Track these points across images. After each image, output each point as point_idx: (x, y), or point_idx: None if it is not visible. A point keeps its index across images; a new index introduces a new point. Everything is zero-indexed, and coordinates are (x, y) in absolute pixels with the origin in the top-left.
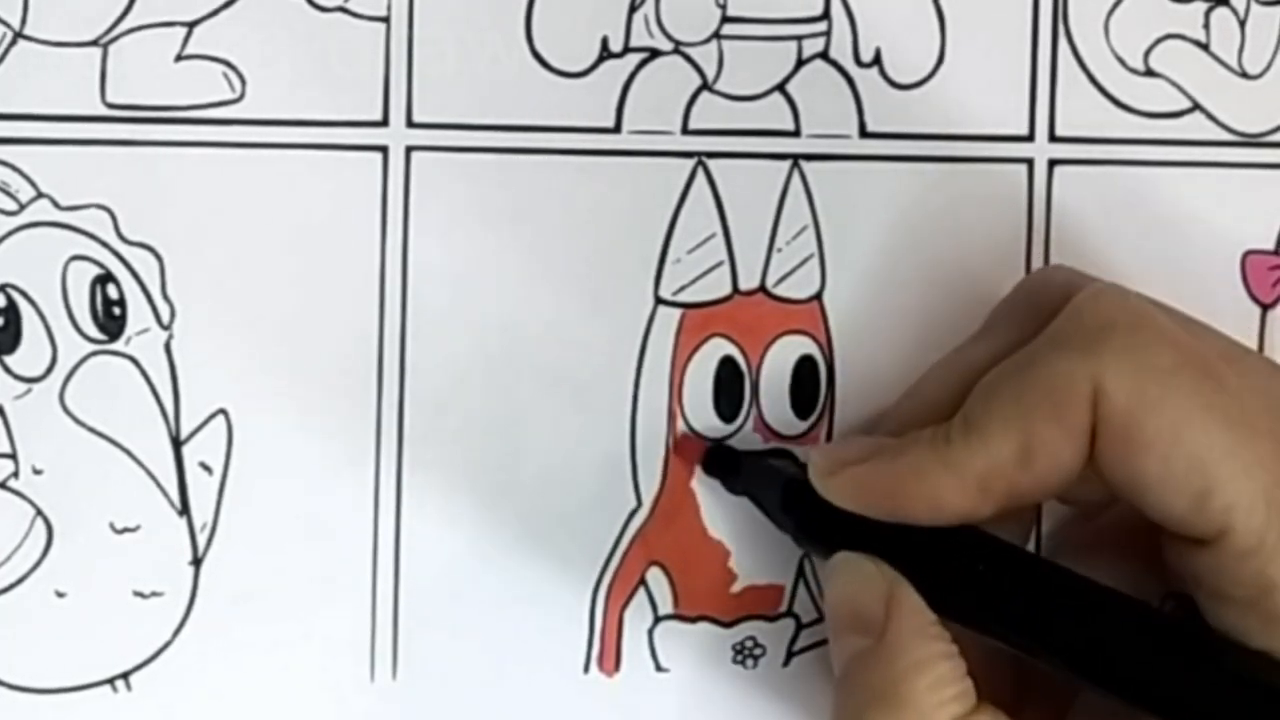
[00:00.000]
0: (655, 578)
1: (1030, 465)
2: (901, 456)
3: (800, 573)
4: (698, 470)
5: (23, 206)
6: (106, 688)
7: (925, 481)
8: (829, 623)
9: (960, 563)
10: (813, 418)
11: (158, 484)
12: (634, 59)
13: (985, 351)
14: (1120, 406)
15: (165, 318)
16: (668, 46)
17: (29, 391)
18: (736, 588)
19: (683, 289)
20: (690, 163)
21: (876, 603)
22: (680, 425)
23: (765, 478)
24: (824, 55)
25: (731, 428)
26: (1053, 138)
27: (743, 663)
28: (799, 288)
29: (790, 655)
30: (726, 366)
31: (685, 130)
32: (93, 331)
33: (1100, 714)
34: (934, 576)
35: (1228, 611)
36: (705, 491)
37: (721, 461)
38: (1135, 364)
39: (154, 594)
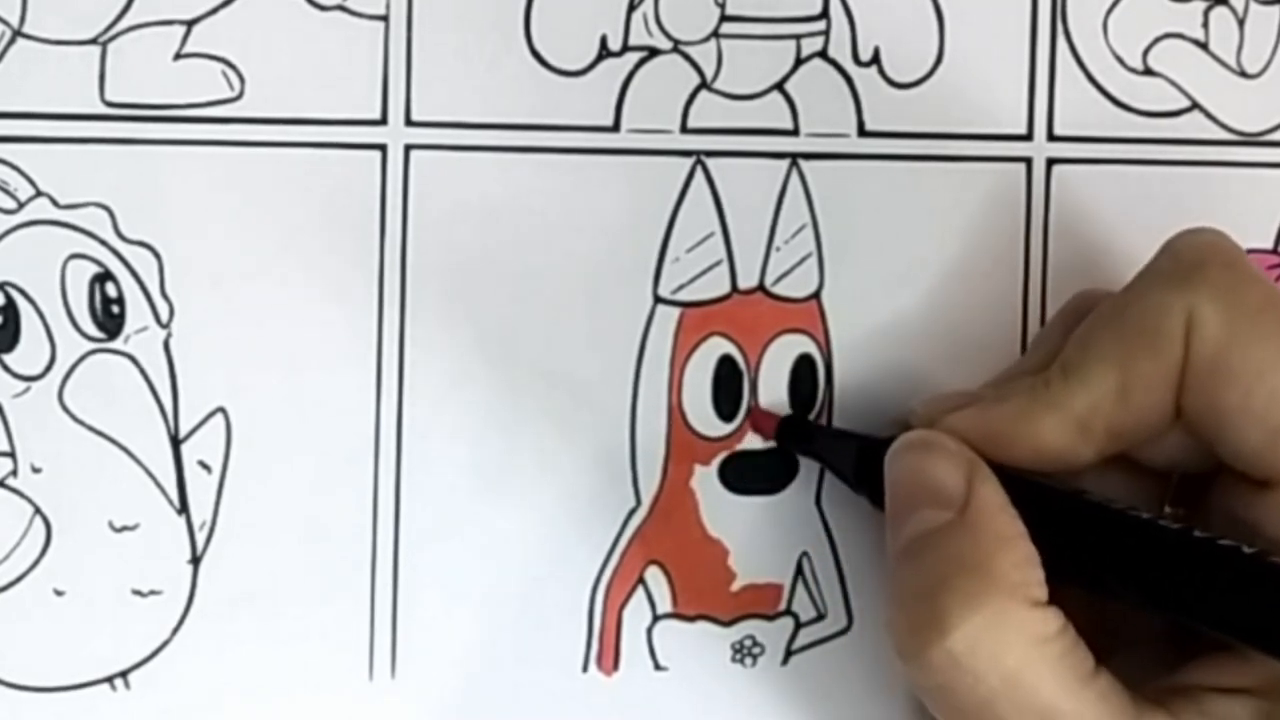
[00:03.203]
0: (654, 577)
1: (1129, 401)
2: (1003, 403)
3: (799, 572)
4: (697, 469)
5: (21, 205)
6: (105, 686)
7: (1027, 424)
8: (897, 499)
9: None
10: (812, 417)
11: (156, 482)
12: (633, 58)
13: (1038, 361)
14: (1210, 338)
15: (164, 316)
16: (667, 45)
17: (28, 390)
18: (735, 587)
19: (681, 288)
20: (689, 161)
21: (957, 476)
22: (681, 424)
23: (841, 443)
24: (823, 54)
25: (730, 426)
26: (1051, 137)
27: (741, 661)
28: (798, 287)
29: (789, 654)
30: (725, 365)
31: (684, 129)
32: (91, 330)
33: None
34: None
35: None
36: (704, 490)
37: (796, 432)
38: (1228, 300)
39: (153, 592)
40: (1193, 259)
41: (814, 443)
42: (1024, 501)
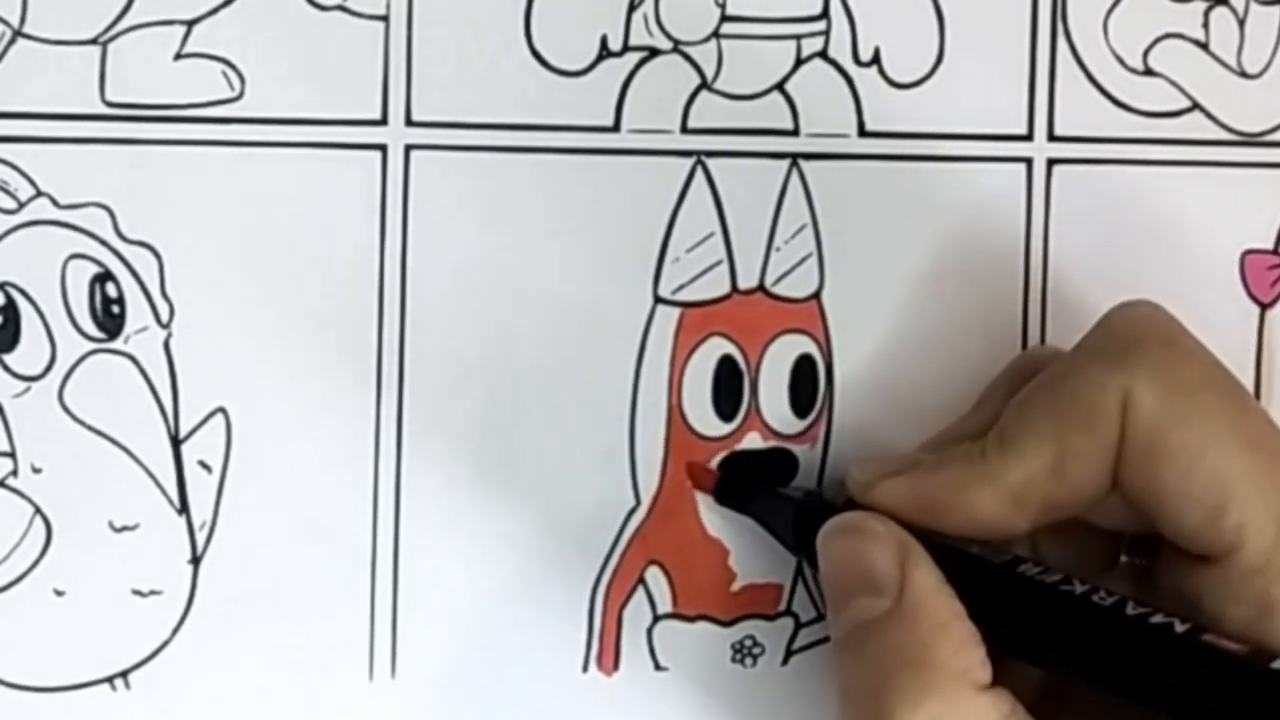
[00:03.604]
0: (654, 577)
1: (1064, 476)
2: (939, 470)
3: (799, 572)
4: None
5: (22, 205)
6: (105, 686)
7: (962, 494)
8: (832, 585)
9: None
10: (811, 416)
11: (157, 482)
12: (633, 58)
13: (980, 422)
14: (1147, 417)
15: (164, 316)
16: (667, 45)
17: (28, 390)
18: (735, 587)
19: (681, 288)
20: (689, 162)
21: (890, 561)
22: (681, 425)
23: (777, 505)
24: (823, 54)
25: (730, 426)
26: (1051, 137)
27: (742, 662)
28: (798, 287)
29: (789, 654)
30: (725, 365)
31: (684, 129)
32: (92, 330)
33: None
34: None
35: (1225, 630)
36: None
37: (734, 490)
38: (1165, 378)
39: (153, 592)
40: (1130, 335)
41: (750, 502)
42: (959, 575)
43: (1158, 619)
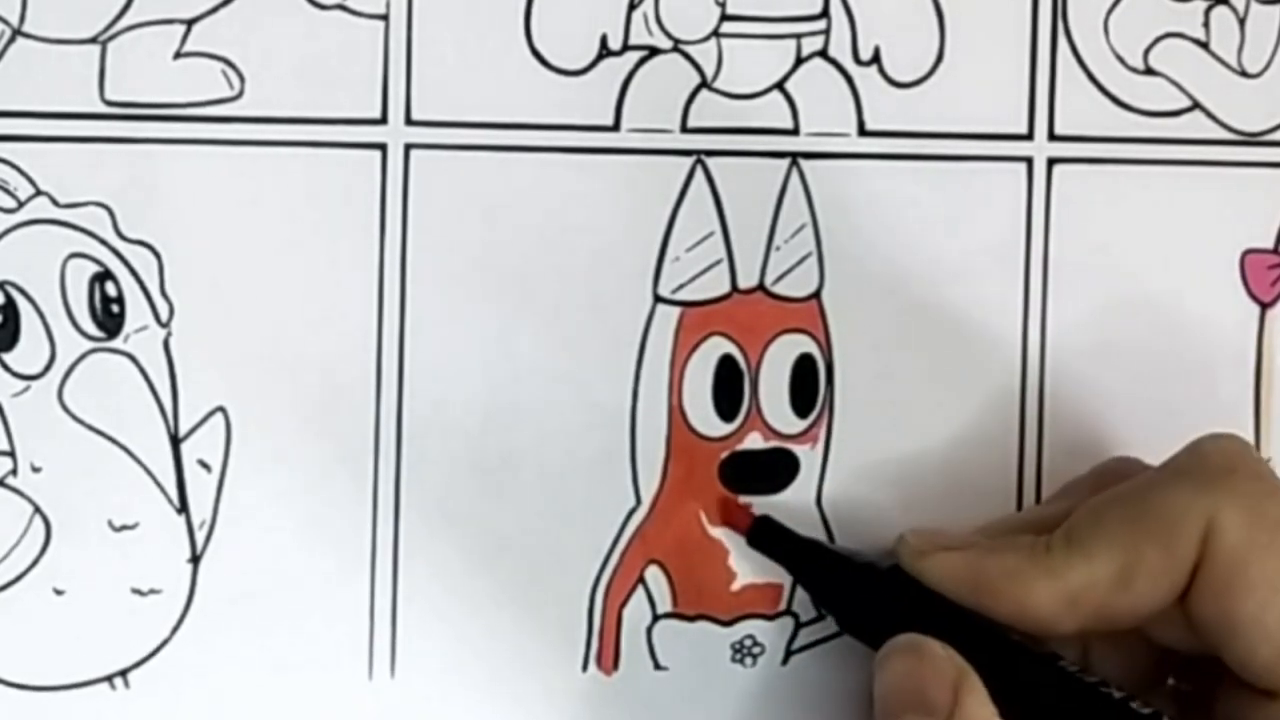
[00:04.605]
0: (654, 576)
1: (1128, 587)
2: (997, 554)
3: None
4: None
5: (21, 204)
6: (105, 685)
7: (1018, 583)
8: (886, 703)
9: (1022, 678)
10: (812, 416)
11: (156, 481)
12: (633, 57)
13: (1046, 516)
14: (1230, 545)
15: (164, 315)
16: (667, 44)
17: (27, 389)
18: (735, 586)
19: (681, 287)
20: (689, 161)
21: (944, 687)
22: (681, 424)
23: (820, 560)
24: (823, 54)
25: (731, 426)
26: (1052, 136)
27: (741, 661)
28: (798, 286)
29: (789, 654)
30: (726, 365)
31: (684, 128)
32: (91, 329)
33: None
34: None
35: None
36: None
37: (769, 536)
38: (1253, 508)
39: (152, 591)
40: (1221, 464)
41: (784, 551)
42: (996, 665)
43: None
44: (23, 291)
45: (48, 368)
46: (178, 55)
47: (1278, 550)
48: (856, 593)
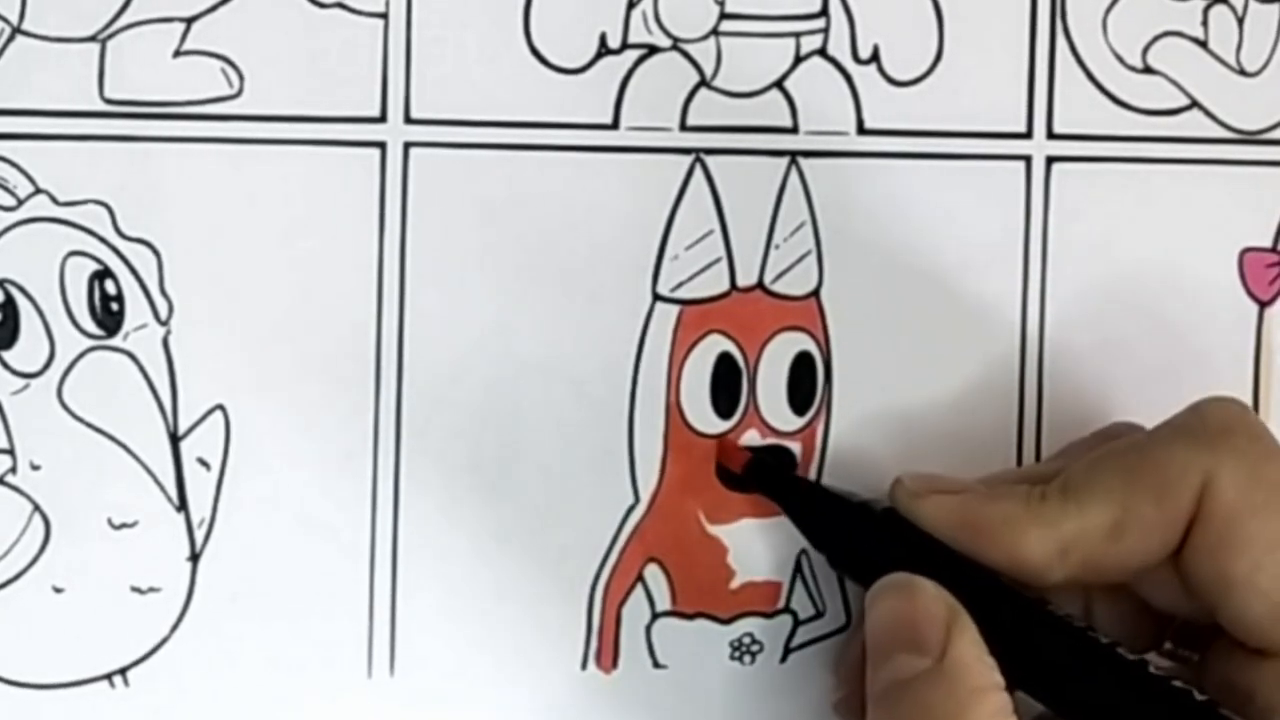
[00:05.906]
0: (653, 574)
1: (1120, 539)
2: (992, 500)
3: (798, 569)
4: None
5: (21, 202)
6: (104, 683)
7: (1011, 530)
8: (876, 639)
9: (1012, 621)
10: (810, 414)
11: (155, 480)
12: (632, 55)
13: (1045, 471)
14: (1226, 503)
15: (163, 313)
16: (666, 43)
17: (27, 387)
18: (734, 584)
19: (680, 285)
20: (688, 159)
21: (937, 623)
22: (679, 422)
23: (814, 498)
24: (822, 52)
25: (729, 424)
26: (1051, 135)
27: (740, 659)
28: (797, 284)
29: (788, 652)
30: (724, 363)
31: (683, 127)
32: (90, 327)
33: None
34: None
35: None
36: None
37: (766, 475)
38: (1249, 468)
39: (151, 590)
40: (1221, 423)
41: (780, 486)
42: (986, 607)
43: (1177, 684)
44: (22, 289)
45: (47, 366)
46: (177, 53)
47: (1273, 510)
48: (850, 531)
